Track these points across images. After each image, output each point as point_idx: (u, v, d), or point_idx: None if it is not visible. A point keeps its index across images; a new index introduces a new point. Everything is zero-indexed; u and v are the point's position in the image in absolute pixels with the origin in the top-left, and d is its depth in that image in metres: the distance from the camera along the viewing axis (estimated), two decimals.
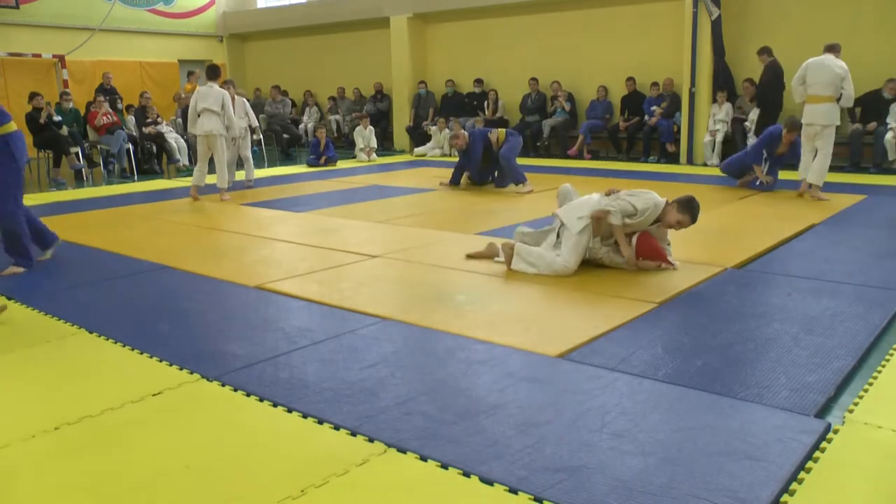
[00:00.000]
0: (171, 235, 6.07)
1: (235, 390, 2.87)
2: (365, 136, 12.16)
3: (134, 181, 10.36)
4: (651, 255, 4.51)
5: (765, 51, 9.13)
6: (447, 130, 12.39)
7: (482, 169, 8.59)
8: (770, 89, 9.30)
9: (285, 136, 13.75)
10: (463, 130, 8.92)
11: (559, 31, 12.36)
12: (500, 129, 8.66)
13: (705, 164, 10.48)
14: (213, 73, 8.14)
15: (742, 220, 6.21)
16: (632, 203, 4.41)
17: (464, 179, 8.79)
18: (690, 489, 2.07)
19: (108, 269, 4.94)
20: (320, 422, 2.57)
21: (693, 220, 4.43)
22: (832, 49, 7.16)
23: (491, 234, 5.68)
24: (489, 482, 2.14)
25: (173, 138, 11.57)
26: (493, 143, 8.42)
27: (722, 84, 10.58)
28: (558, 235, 4.59)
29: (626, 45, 11.59)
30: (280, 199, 8.03)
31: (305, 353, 3.25)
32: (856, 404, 2.65)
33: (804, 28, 9.91)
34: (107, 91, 12.09)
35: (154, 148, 11.49)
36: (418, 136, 13.56)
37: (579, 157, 11.46)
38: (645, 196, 4.45)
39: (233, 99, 8.41)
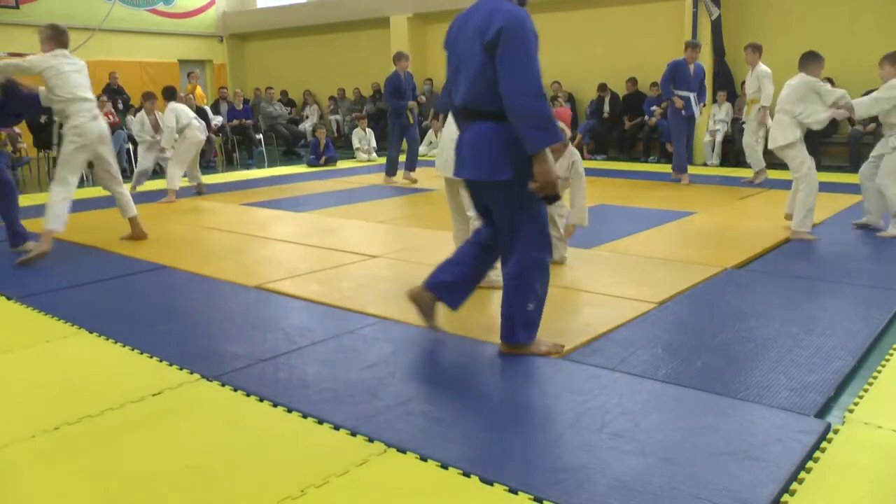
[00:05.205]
0: (171, 235, 6.07)
1: (235, 390, 2.87)
2: (364, 138, 12.16)
3: None
4: None
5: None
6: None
7: None
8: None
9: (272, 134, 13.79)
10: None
11: (559, 31, 12.35)
12: None
13: (705, 164, 10.48)
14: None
15: (742, 220, 6.21)
16: None
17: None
18: (690, 489, 2.07)
19: (108, 269, 4.93)
20: (320, 422, 2.57)
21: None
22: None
23: None
24: (489, 482, 2.14)
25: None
26: None
27: (722, 84, 10.58)
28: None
29: (626, 45, 11.58)
30: (280, 199, 8.03)
31: (305, 353, 3.25)
32: (856, 404, 2.65)
33: (804, 28, 9.91)
34: (114, 91, 12.08)
35: None
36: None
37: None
38: None
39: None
